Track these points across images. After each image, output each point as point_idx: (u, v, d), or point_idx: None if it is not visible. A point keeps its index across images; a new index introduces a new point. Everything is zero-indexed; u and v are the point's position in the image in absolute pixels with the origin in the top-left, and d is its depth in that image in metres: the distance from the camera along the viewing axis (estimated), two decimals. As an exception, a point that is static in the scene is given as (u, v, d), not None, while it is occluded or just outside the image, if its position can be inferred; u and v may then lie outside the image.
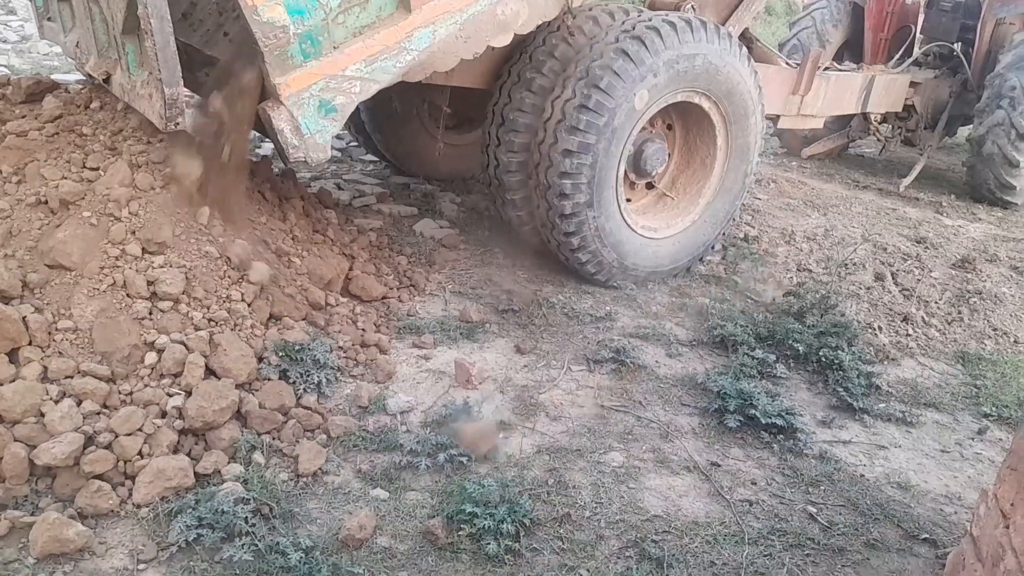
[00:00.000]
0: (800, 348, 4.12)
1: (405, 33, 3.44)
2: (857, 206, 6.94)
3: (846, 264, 5.37)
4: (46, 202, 3.15)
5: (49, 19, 4.26)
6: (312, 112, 3.28)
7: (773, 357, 4.01)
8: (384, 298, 4.14)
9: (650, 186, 4.88)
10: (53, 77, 4.28)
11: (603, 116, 4.09)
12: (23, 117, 3.57)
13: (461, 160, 5.80)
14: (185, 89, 3.06)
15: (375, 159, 6.23)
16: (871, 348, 4.38)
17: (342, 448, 3.02)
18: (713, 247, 5.13)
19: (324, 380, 3.25)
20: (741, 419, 3.45)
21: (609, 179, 4.29)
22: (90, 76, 3.63)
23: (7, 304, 2.80)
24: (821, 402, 3.86)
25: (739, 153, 4.81)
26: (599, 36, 4.22)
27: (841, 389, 3.87)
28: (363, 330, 3.71)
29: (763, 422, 3.43)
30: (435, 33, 3.53)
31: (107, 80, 3.44)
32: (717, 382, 3.67)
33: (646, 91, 4.18)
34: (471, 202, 5.64)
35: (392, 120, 5.60)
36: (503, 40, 3.86)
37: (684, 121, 4.77)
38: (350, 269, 4.11)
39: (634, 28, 4.18)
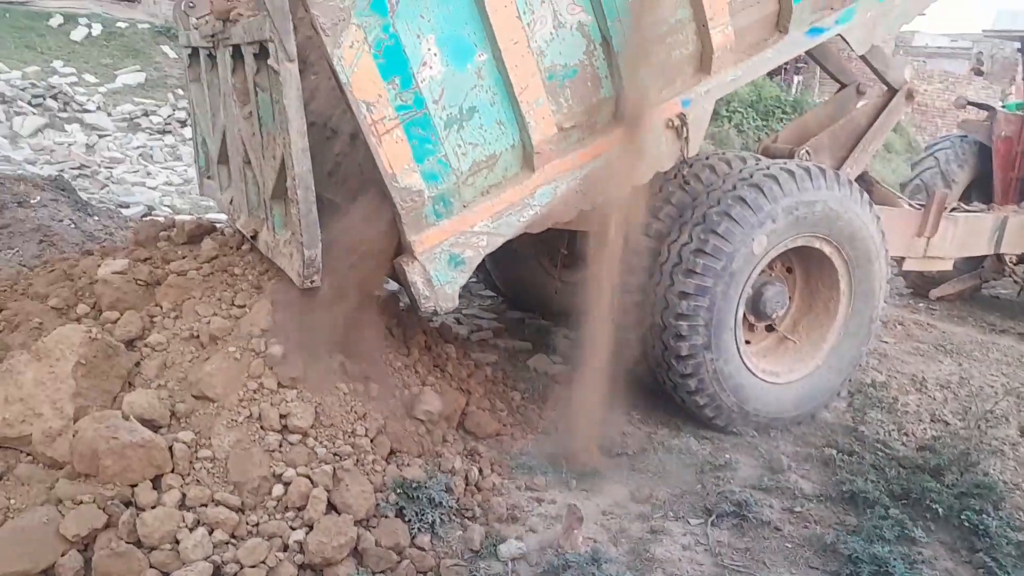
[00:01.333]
0: (939, 509, 3.81)
1: (529, 191, 3.66)
2: (995, 352, 6.53)
3: (987, 417, 5.01)
4: (198, 336, 3.43)
5: (209, 177, 4.79)
6: (443, 265, 3.50)
7: (910, 518, 3.73)
8: (498, 435, 4.16)
9: (770, 329, 4.80)
10: (210, 216, 4.75)
11: (720, 260, 4.12)
12: (184, 258, 3.96)
13: (575, 297, 5.90)
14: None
15: (492, 294, 6.43)
16: (1021, 513, 4.00)
17: (453, 593, 2.99)
18: (839, 393, 4.92)
19: (438, 520, 3.26)
20: (876, 588, 3.19)
21: (727, 322, 4.26)
22: (240, 231, 4.00)
23: (156, 432, 3.01)
24: (966, 572, 3.52)
25: (864, 297, 4.68)
26: (716, 184, 4.31)
27: (988, 559, 3.53)
28: (478, 469, 3.73)
29: (901, 592, 3.16)
30: (556, 189, 3.73)
31: (255, 237, 3.80)
32: (848, 544, 3.42)
33: (764, 237, 4.20)
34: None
35: (510, 257, 5.82)
36: (621, 192, 4.00)
37: (805, 265, 4.72)
38: (466, 404, 4.19)
39: (752, 176, 4.25)
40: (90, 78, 13.08)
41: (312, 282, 3.21)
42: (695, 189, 4.36)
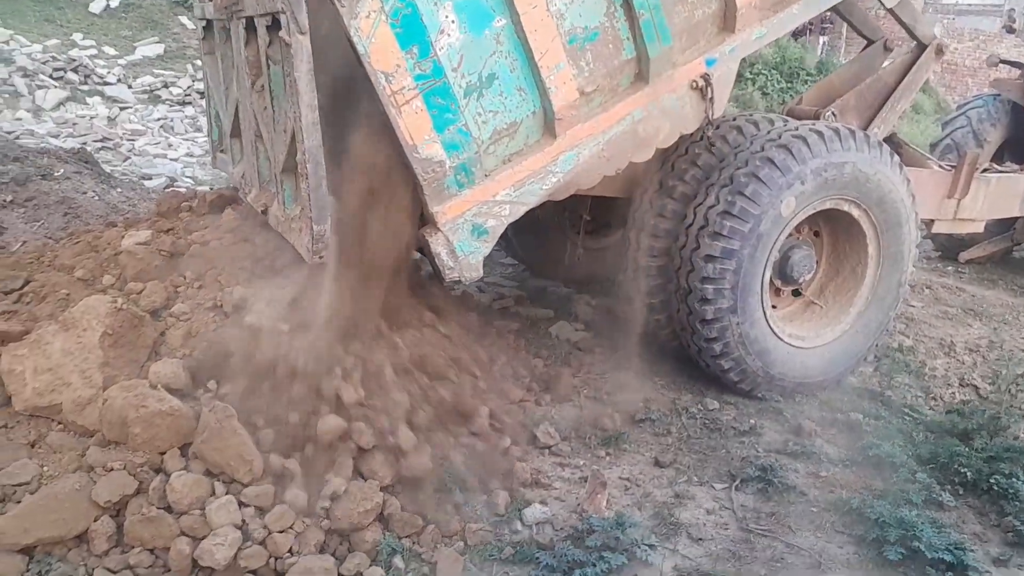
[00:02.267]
0: (968, 473, 3.78)
1: (551, 158, 3.61)
2: (1026, 315, 6.41)
3: (1017, 381, 4.93)
4: (221, 306, 3.44)
5: (222, 151, 4.76)
6: (466, 236, 3.49)
7: (937, 483, 3.70)
8: (521, 401, 4.16)
9: (797, 293, 4.74)
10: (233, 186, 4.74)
11: (747, 223, 4.06)
12: (206, 228, 3.96)
13: (598, 264, 5.86)
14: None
15: (514, 261, 6.40)
16: (1052, 477, 3.95)
17: (478, 557, 3.02)
18: (866, 358, 4.86)
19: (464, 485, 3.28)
20: (903, 551, 3.17)
21: (753, 285, 4.20)
22: (251, 205, 3.98)
23: (182, 401, 3.04)
24: (995, 536, 3.50)
25: (892, 261, 4.60)
26: (743, 145, 4.24)
27: (1018, 523, 3.50)
28: (501, 435, 3.73)
29: (928, 556, 3.14)
30: (579, 155, 3.67)
31: (265, 211, 3.74)
32: (875, 508, 3.40)
33: (793, 198, 4.13)
34: (607, 305, 5.65)
35: (531, 225, 5.75)
36: (645, 155, 3.95)
37: (832, 228, 4.64)
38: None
39: (780, 137, 4.17)
40: (109, 50, 13.07)
41: (321, 257, 3.16)
42: (721, 150, 4.28)
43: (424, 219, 3.49)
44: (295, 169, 3.29)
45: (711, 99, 3.95)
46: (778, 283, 4.55)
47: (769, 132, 4.26)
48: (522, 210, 3.63)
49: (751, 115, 4.53)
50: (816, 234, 4.70)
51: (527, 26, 3.36)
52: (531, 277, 6.19)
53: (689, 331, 4.34)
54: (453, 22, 3.23)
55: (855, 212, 4.43)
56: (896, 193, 4.45)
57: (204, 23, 4.70)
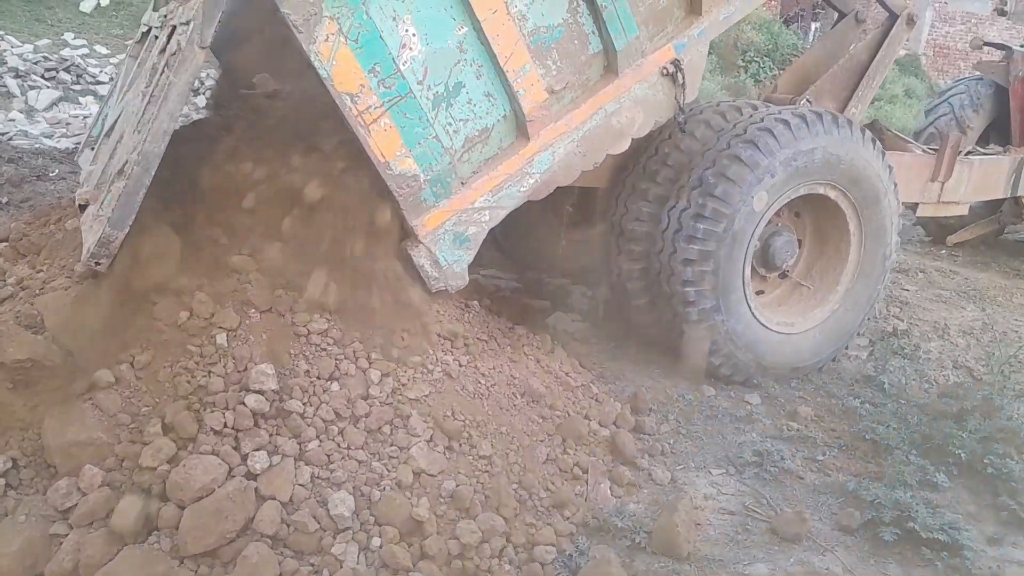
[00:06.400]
0: (962, 455, 3.83)
1: (526, 160, 3.63)
2: (1018, 297, 6.48)
3: (1010, 362, 4.98)
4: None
5: (91, 148, 4.49)
6: (448, 245, 3.52)
7: (932, 464, 3.75)
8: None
9: (784, 276, 4.74)
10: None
11: (721, 223, 4.04)
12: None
13: (585, 255, 5.78)
14: None
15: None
16: (1046, 457, 4.00)
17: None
18: (858, 333, 4.86)
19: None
20: (898, 532, 3.23)
21: (735, 282, 4.19)
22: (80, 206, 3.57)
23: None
24: (989, 516, 3.55)
25: (875, 236, 4.59)
26: (711, 142, 4.18)
27: (1013, 503, 3.56)
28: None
29: (923, 536, 3.19)
30: (554, 154, 3.69)
31: (83, 208, 3.38)
32: (870, 490, 3.46)
33: (764, 192, 4.10)
34: (603, 295, 5.67)
35: (516, 218, 5.67)
36: (621, 147, 3.94)
37: (812, 209, 4.62)
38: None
39: (746, 131, 4.12)
40: (101, 49, 13.03)
41: (98, 264, 2.90)
42: (691, 147, 4.24)
43: (404, 233, 3.49)
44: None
45: (683, 84, 3.94)
46: (762, 271, 4.55)
47: (735, 126, 4.19)
48: (502, 214, 3.66)
49: (719, 105, 4.47)
50: (797, 215, 4.68)
51: (489, 32, 3.36)
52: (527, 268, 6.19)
53: (677, 332, 4.34)
54: (414, 35, 3.23)
55: (832, 194, 4.42)
56: (871, 169, 4.43)
57: (145, 29, 4.59)
